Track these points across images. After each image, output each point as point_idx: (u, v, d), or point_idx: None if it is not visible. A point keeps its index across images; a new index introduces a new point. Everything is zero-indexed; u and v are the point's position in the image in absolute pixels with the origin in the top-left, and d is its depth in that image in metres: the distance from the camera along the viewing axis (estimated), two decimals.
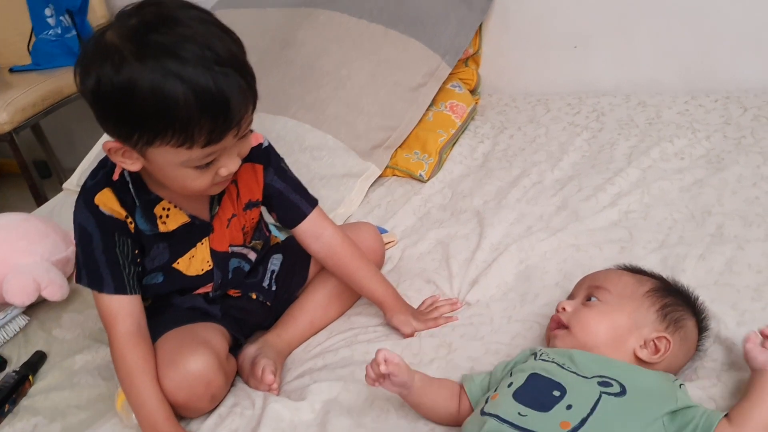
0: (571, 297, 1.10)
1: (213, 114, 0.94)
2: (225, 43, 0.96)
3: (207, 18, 0.98)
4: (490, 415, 0.91)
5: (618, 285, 1.06)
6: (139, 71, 0.91)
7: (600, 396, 0.90)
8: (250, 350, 1.25)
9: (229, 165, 1.03)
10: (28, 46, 2.54)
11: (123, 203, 1.10)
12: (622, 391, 0.91)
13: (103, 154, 1.08)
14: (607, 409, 0.88)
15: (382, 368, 0.98)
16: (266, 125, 1.72)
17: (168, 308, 1.23)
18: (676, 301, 1.04)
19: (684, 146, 1.58)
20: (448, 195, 1.65)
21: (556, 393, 0.91)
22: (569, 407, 0.89)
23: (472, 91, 1.97)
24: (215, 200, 1.18)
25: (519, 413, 0.89)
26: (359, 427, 1.07)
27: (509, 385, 0.95)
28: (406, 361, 1.01)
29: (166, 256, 1.18)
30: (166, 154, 0.98)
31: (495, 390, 0.97)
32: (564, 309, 1.06)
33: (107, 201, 1.10)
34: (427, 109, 1.83)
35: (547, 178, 1.61)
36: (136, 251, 1.14)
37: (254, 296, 1.31)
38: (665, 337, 0.99)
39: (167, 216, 1.14)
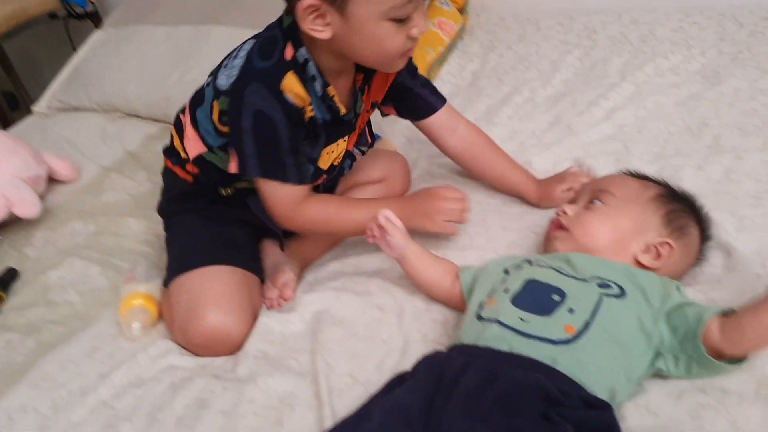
0: (572, 202, 1.07)
1: None
2: None
3: None
4: (490, 320, 0.88)
5: (623, 189, 1.03)
6: None
7: (600, 298, 0.87)
8: (276, 254, 1.24)
9: (421, 24, 0.99)
10: None
11: (306, 88, 1.04)
12: (622, 293, 0.89)
13: (85, 77, 1.03)
14: (608, 311, 0.86)
15: (381, 220, 1.03)
16: None
17: (226, 225, 1.20)
18: (681, 208, 1.01)
19: (679, 62, 1.54)
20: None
21: (556, 297, 0.88)
22: (571, 311, 0.86)
23: (461, 10, 1.90)
24: (359, 96, 1.15)
25: (521, 318, 0.86)
26: (352, 336, 1.04)
27: (505, 291, 0.92)
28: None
29: (319, 147, 1.14)
30: (369, 4, 0.94)
31: (490, 296, 0.94)
32: (565, 212, 1.03)
33: (293, 86, 1.02)
34: None
35: (539, 95, 1.56)
36: (305, 140, 1.10)
37: None
38: (668, 243, 0.97)
39: (336, 103, 1.10)
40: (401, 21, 0.97)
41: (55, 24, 2.43)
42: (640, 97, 1.45)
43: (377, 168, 1.36)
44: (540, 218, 1.19)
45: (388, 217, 1.04)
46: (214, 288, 1.10)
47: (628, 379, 0.84)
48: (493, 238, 1.18)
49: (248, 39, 1.08)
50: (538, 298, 0.89)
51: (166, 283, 1.15)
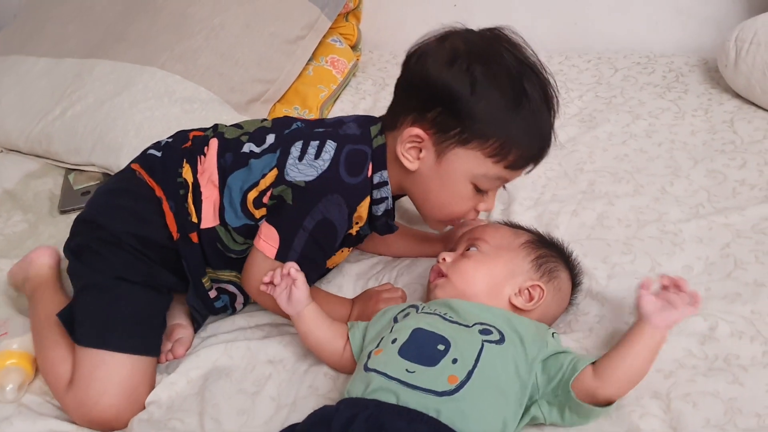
0: (451, 250, 1.11)
1: (539, 147, 1.02)
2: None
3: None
4: (376, 371, 0.90)
5: (496, 236, 1.08)
6: (531, 85, 0.98)
7: (482, 345, 0.91)
8: (180, 311, 1.16)
9: (489, 203, 1.06)
10: None
11: (370, 211, 1.07)
12: (501, 339, 0.93)
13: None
14: (489, 359, 0.90)
15: (293, 272, 1.00)
16: (133, 76, 1.61)
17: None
18: (550, 253, 1.07)
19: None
20: None
21: (441, 347, 0.91)
22: (455, 361, 0.89)
23: (353, 47, 1.93)
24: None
25: (407, 370, 0.89)
26: (239, 392, 1.03)
27: (393, 341, 0.94)
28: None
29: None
30: (468, 161, 0.99)
31: (377, 345, 0.96)
32: (444, 259, 1.08)
33: (363, 210, 1.05)
34: (307, 64, 1.77)
35: None
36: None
37: None
38: (539, 286, 1.02)
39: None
40: (480, 191, 1.03)
41: None
42: None
43: None
44: (425, 270, 1.21)
45: (299, 269, 1.01)
46: (131, 381, 1.03)
47: (507, 426, 0.88)
48: None
49: (323, 136, 1.04)
50: (423, 347, 0.92)
51: (78, 338, 1.05)
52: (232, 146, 1.10)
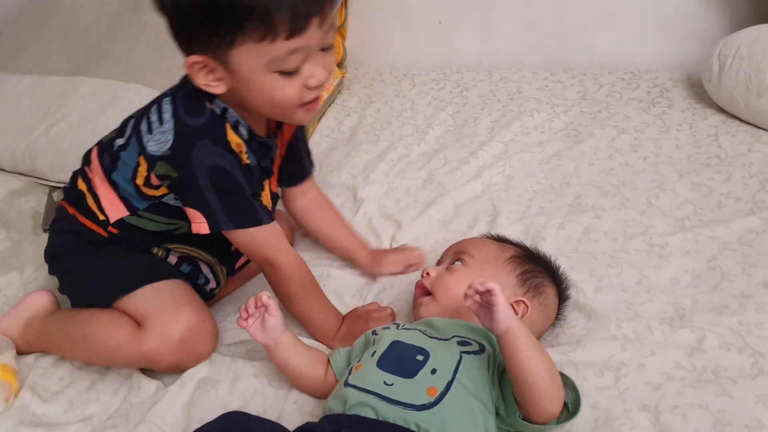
0: (438, 264, 1.10)
1: None
2: None
3: None
4: (355, 387, 0.89)
5: (482, 251, 1.08)
6: None
7: (461, 357, 0.90)
8: None
9: (317, 73, 0.97)
10: None
11: (238, 134, 1.04)
12: (481, 349, 0.93)
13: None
14: (467, 368, 0.89)
15: (264, 298, 0.98)
16: (118, 93, 1.61)
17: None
18: (536, 268, 1.06)
19: (544, 120, 1.62)
20: (316, 168, 1.60)
21: (420, 357, 0.91)
22: (434, 371, 0.89)
23: (339, 65, 1.93)
24: (273, 142, 1.13)
25: (385, 382, 0.88)
26: (224, 407, 1.02)
27: (372, 354, 0.94)
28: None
29: (257, 189, 1.11)
30: (250, 55, 0.92)
31: (358, 360, 0.95)
32: (428, 274, 1.07)
33: (233, 138, 1.03)
34: None
35: (413, 152, 1.60)
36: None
37: None
38: (523, 301, 1.01)
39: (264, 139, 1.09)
40: (290, 73, 0.96)
41: None
42: (507, 156, 1.52)
43: None
44: (409, 285, 1.21)
45: (270, 296, 1.00)
46: (179, 294, 1.10)
47: None
48: None
49: (157, 101, 1.05)
50: (402, 358, 0.92)
51: (103, 302, 1.11)
52: (107, 147, 1.13)
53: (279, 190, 1.25)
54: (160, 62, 1.64)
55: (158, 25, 1.68)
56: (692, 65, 1.71)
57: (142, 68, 1.64)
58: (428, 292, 1.05)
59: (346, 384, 0.91)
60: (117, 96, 1.61)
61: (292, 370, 1.02)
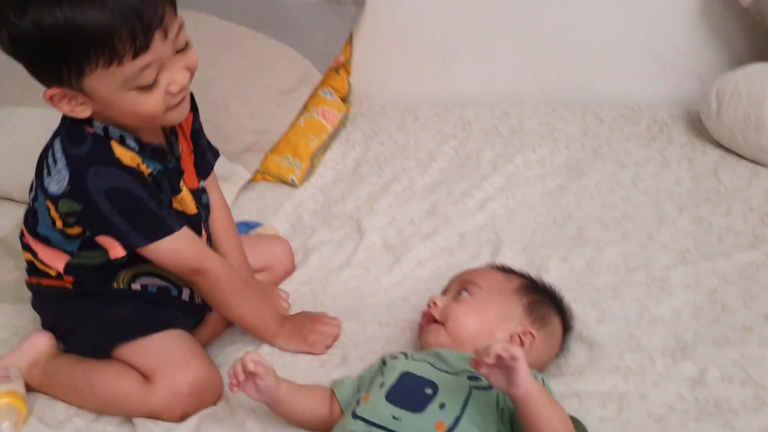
0: (443, 293, 1.11)
1: (125, 19, 0.90)
2: None
3: None
4: (363, 419, 0.89)
5: (488, 281, 1.09)
6: (40, 8, 0.89)
7: (470, 391, 0.91)
8: None
9: (177, 78, 0.98)
10: None
11: (127, 147, 1.04)
12: (491, 385, 0.92)
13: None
14: (476, 404, 0.89)
15: (250, 366, 0.95)
16: None
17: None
18: (542, 299, 1.07)
19: (545, 154, 1.64)
20: (320, 200, 1.63)
21: (429, 391, 0.91)
22: (442, 406, 0.89)
23: (343, 99, 1.96)
24: (174, 141, 1.13)
25: (393, 416, 0.88)
26: None
27: (381, 385, 0.94)
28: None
29: (169, 193, 1.11)
30: (102, 81, 0.94)
31: (367, 390, 0.95)
32: (435, 303, 1.08)
33: (123, 153, 1.03)
34: (299, 115, 1.80)
35: (417, 184, 1.62)
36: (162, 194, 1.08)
37: None
38: (530, 332, 1.02)
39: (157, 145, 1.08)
40: (149, 86, 0.97)
41: None
42: (510, 188, 1.54)
43: (259, 256, 1.36)
44: (412, 312, 1.22)
45: (256, 360, 0.96)
46: (183, 346, 1.11)
47: None
48: (371, 336, 1.20)
49: (49, 143, 1.07)
50: (411, 391, 0.92)
51: (103, 350, 1.11)
52: (30, 208, 1.14)
53: (202, 184, 1.25)
54: None
55: None
56: (691, 101, 1.74)
57: None
58: (435, 320, 1.06)
59: (354, 416, 0.91)
60: None
61: (296, 418, 1.01)
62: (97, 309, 1.14)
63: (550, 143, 1.68)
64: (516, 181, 1.56)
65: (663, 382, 1.01)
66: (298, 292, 1.34)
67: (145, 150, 1.06)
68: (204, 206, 1.21)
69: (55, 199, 1.04)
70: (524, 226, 1.42)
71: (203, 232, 1.19)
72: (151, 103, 0.98)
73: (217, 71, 1.72)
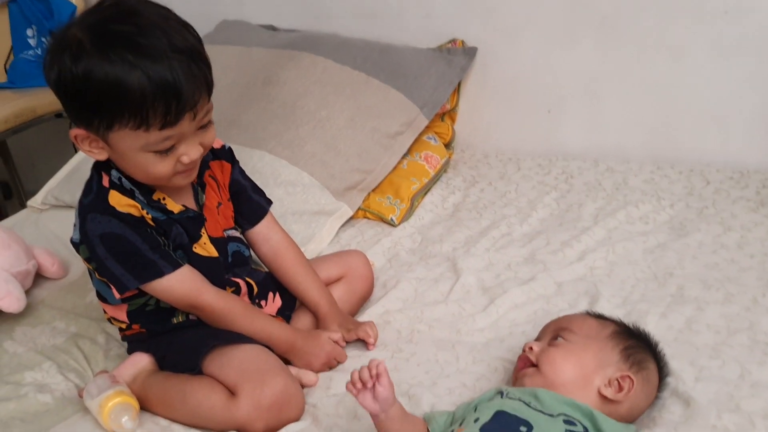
0: (537, 339, 1.12)
1: (165, 97, 1.00)
2: (181, 33, 1.03)
3: (165, 12, 1.05)
4: None
5: (583, 327, 1.09)
6: (95, 61, 0.99)
7: None
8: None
9: (191, 152, 1.08)
10: (6, 64, 2.53)
11: (132, 198, 1.13)
12: (584, 431, 0.92)
13: (82, 177, 1.15)
14: None
15: (380, 368, 0.96)
16: (243, 158, 1.71)
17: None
18: (638, 344, 1.07)
19: (649, 212, 1.63)
20: (418, 240, 1.67)
21: (523, 429, 0.92)
22: None
23: (447, 145, 2.02)
24: (200, 191, 1.22)
25: None
26: None
27: (475, 420, 0.95)
28: None
29: (185, 238, 1.19)
30: (126, 139, 1.04)
31: (460, 424, 0.97)
32: (531, 348, 1.08)
33: (119, 201, 1.12)
34: (402, 158, 1.86)
35: (515, 231, 1.64)
36: (162, 237, 1.16)
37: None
38: (629, 377, 1.02)
39: (165, 203, 1.17)
40: (164, 152, 1.06)
41: (60, 123, 2.52)
42: (611, 242, 1.53)
43: (335, 264, 1.42)
44: (507, 353, 1.23)
45: (383, 365, 0.97)
46: (263, 360, 1.16)
47: None
48: (462, 369, 1.22)
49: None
50: (505, 429, 0.93)
51: (193, 363, 1.17)
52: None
53: (238, 231, 1.31)
54: (284, 132, 1.77)
55: (284, 98, 1.84)
56: None
57: (267, 137, 1.77)
58: (532, 364, 1.07)
59: None
60: (242, 160, 1.71)
61: None
62: (176, 338, 1.23)
63: (654, 201, 1.66)
64: (617, 236, 1.56)
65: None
66: (393, 318, 1.38)
67: (150, 204, 1.14)
68: (233, 254, 1.28)
69: (76, 247, 1.18)
70: (624, 280, 1.41)
71: (241, 280, 1.27)
72: (161, 167, 1.08)
73: (330, 112, 1.80)
